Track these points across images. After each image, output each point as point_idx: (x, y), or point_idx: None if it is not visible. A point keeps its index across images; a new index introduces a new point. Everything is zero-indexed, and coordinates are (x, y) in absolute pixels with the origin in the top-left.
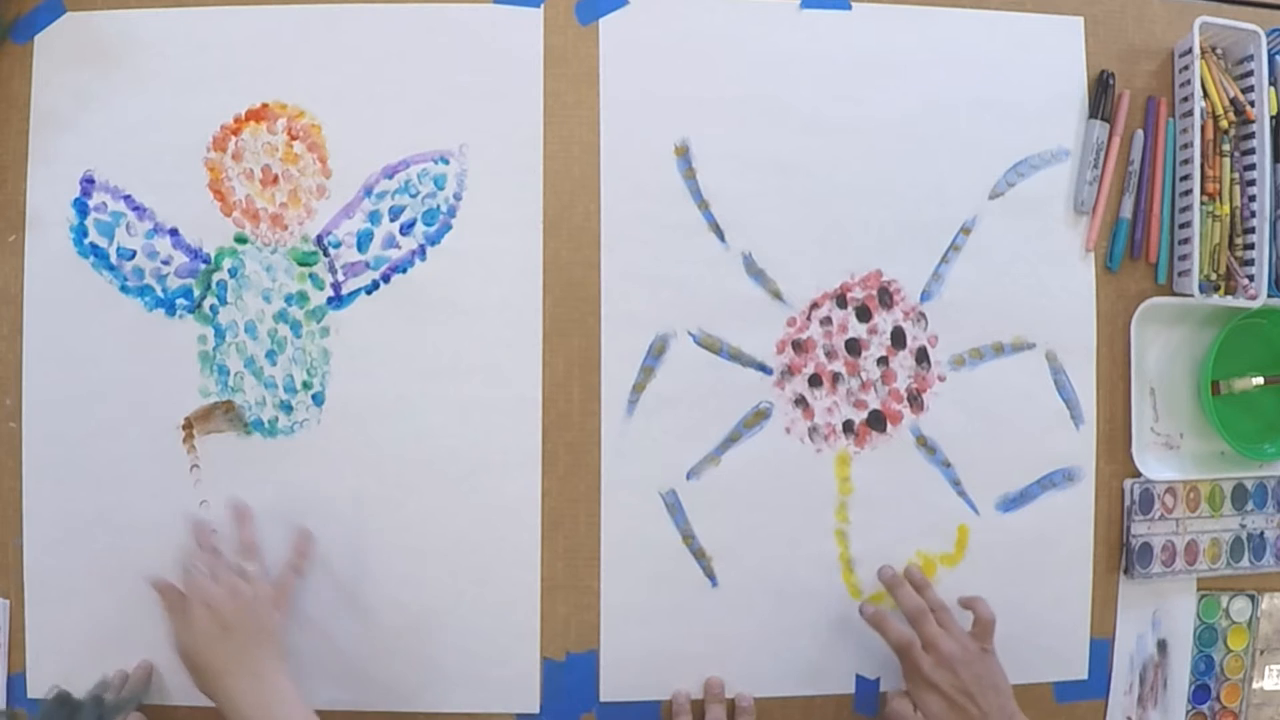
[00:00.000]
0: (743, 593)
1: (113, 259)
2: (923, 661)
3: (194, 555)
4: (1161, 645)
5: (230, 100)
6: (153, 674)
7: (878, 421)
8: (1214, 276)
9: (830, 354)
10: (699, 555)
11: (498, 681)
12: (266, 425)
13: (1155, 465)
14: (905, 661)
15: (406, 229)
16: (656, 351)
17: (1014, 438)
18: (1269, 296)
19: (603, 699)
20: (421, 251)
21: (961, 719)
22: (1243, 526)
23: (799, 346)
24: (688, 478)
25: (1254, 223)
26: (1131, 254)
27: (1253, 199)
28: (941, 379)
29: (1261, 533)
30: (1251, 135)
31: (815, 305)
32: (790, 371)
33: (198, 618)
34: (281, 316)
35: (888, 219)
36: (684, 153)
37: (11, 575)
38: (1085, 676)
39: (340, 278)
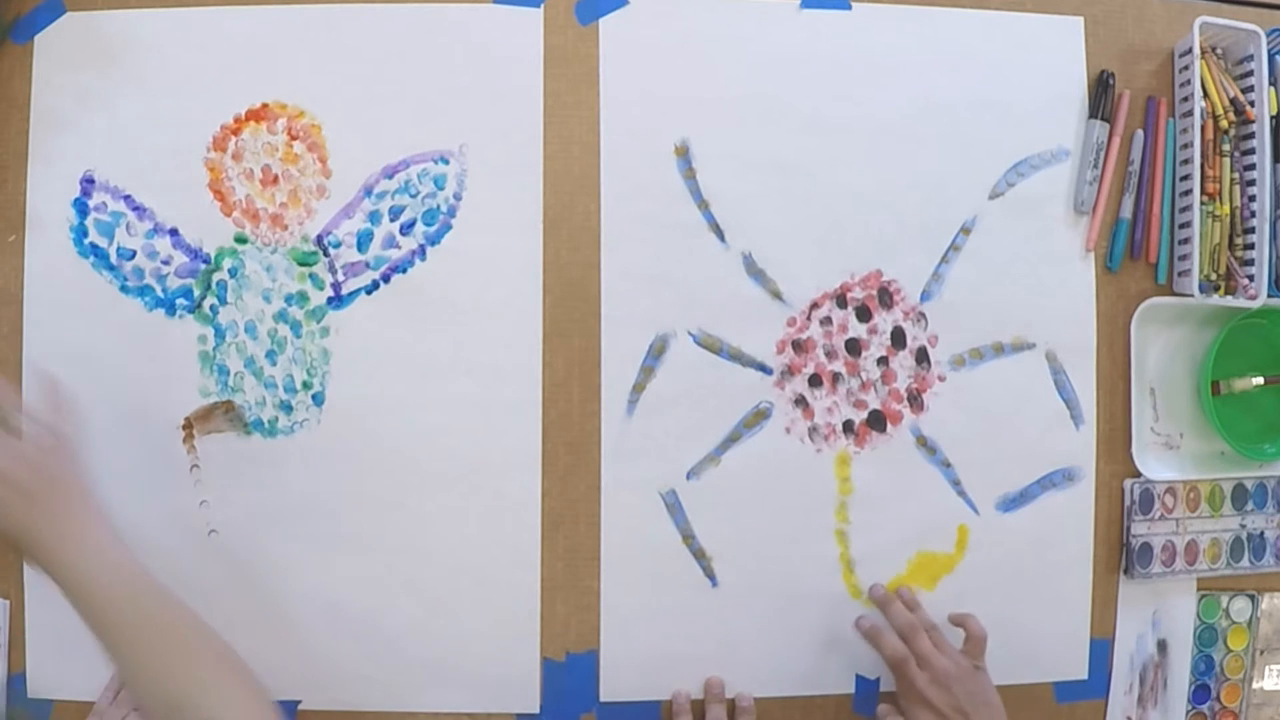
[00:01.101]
0: (743, 593)
1: (113, 259)
2: (917, 678)
3: None
4: (1161, 645)
5: (230, 100)
6: None
7: (878, 421)
8: (1214, 276)
9: (830, 354)
10: (699, 555)
11: (498, 681)
12: (266, 425)
13: (1155, 465)
14: (899, 677)
15: (406, 229)
16: (656, 351)
17: (1014, 438)
18: (1269, 296)
19: (603, 699)
20: (421, 251)
21: None
22: (1243, 526)
23: (799, 346)
24: (688, 478)
25: (1254, 223)
26: (1131, 254)
27: (1253, 199)
28: (941, 379)
29: (1261, 533)
30: (1251, 135)
31: (815, 305)
32: (790, 371)
33: None
34: (281, 316)
35: (888, 219)
36: (684, 153)
37: (11, 575)
38: (1085, 676)
39: (340, 278)
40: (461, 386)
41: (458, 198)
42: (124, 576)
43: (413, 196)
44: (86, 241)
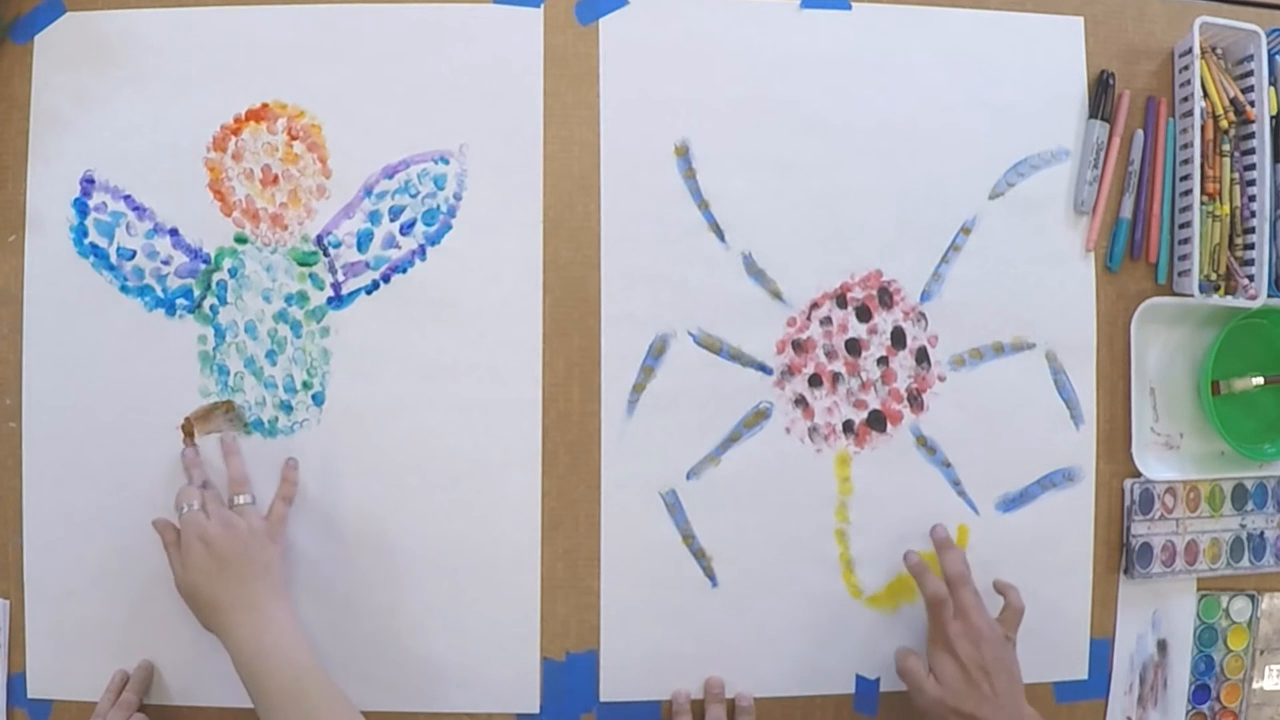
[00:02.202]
0: (743, 593)
1: (113, 259)
2: (950, 625)
3: (187, 491)
4: (1161, 645)
5: (230, 100)
6: (153, 674)
7: (878, 421)
8: (1214, 276)
9: (830, 354)
10: (699, 555)
11: (498, 681)
12: (266, 425)
13: (1155, 465)
14: (933, 620)
15: (406, 229)
16: (656, 351)
17: (1014, 438)
18: (1269, 296)
19: (603, 699)
20: (421, 251)
21: (973, 692)
22: (1243, 526)
23: (799, 346)
24: (688, 478)
25: (1254, 223)
26: (1131, 254)
27: (1253, 199)
28: (941, 379)
29: (1261, 533)
30: (1251, 135)
31: (815, 305)
32: (790, 371)
33: (194, 553)
34: (281, 316)
35: (888, 219)
36: (684, 153)
37: (11, 575)
38: (1085, 676)
39: (340, 278)
40: (461, 386)
41: (458, 198)
42: (292, 661)
43: (413, 196)
44: (86, 241)
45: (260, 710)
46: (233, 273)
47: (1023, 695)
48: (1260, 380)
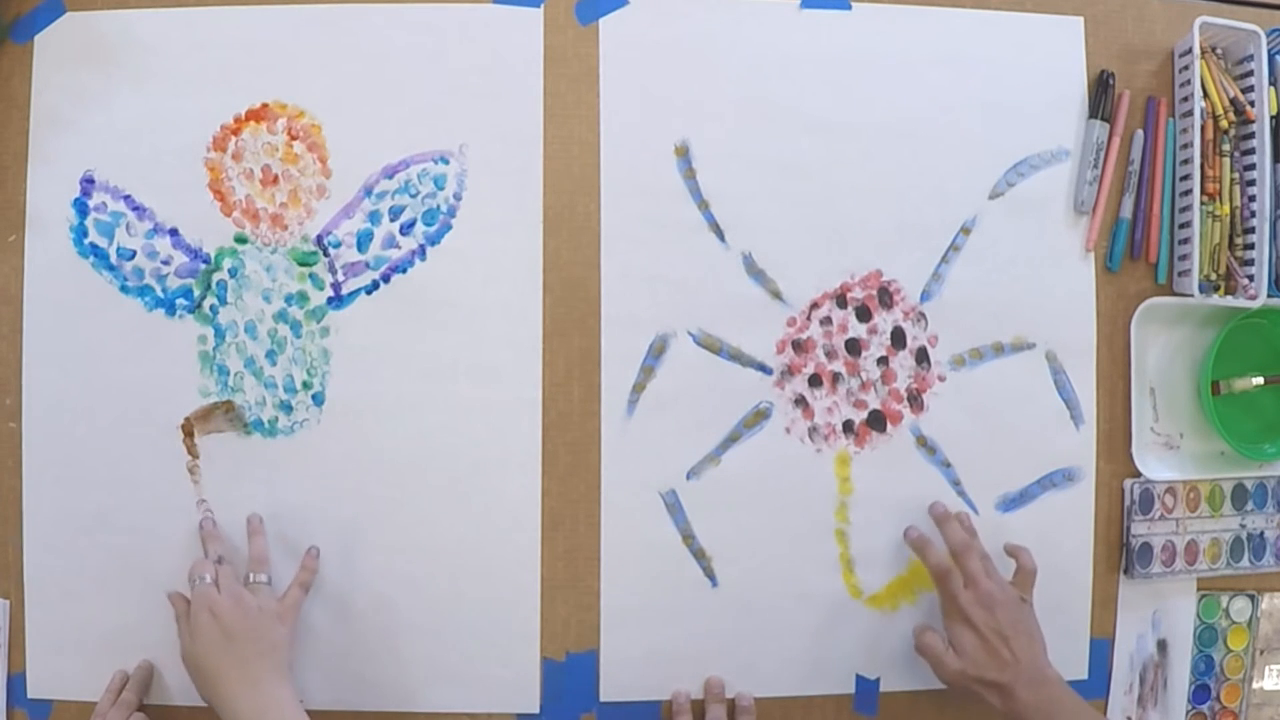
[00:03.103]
0: (743, 593)
1: (113, 259)
2: (960, 594)
3: (201, 564)
4: (1161, 645)
5: (230, 100)
6: (153, 674)
7: (878, 421)
8: (1214, 276)
9: (830, 354)
10: (699, 555)
11: (498, 681)
12: (266, 425)
13: (1155, 465)
14: (943, 592)
15: (406, 229)
16: (656, 351)
17: (1014, 438)
18: (1269, 296)
19: (603, 699)
20: (421, 251)
21: (992, 659)
22: (1243, 526)
23: (799, 346)
24: (688, 478)
25: (1254, 223)
26: (1131, 254)
27: (1253, 199)
28: (941, 379)
29: (1261, 533)
30: (1251, 135)
31: (815, 305)
32: (790, 371)
33: (202, 624)
34: (281, 316)
35: (888, 219)
36: (684, 153)
37: (11, 575)
38: (1085, 676)
39: (340, 278)
40: (461, 386)
41: (458, 198)
42: None
43: (413, 196)
44: (86, 241)
45: None
46: (233, 273)
47: (1045, 654)
48: (1260, 380)
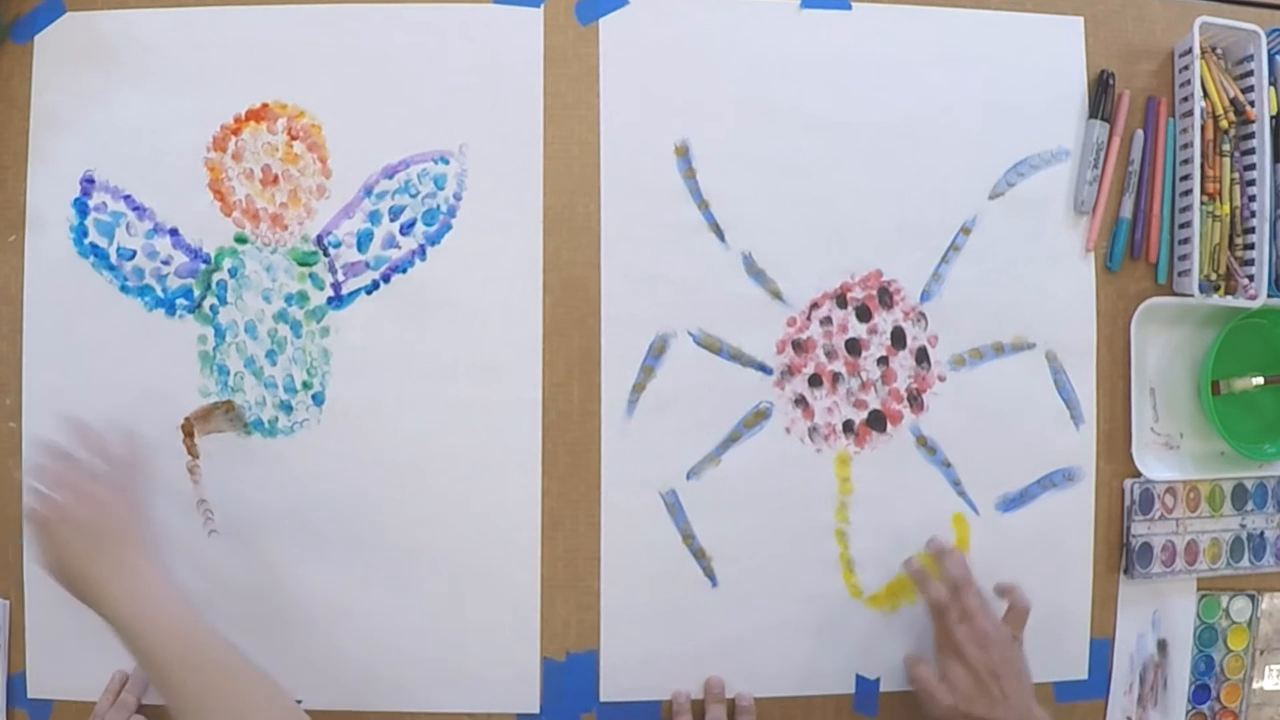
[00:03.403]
0: (743, 593)
1: (113, 259)
2: (956, 629)
3: (35, 471)
4: (1161, 645)
5: (230, 100)
6: None
7: (878, 421)
8: (1214, 276)
9: (830, 354)
10: (699, 555)
11: (498, 681)
12: (266, 425)
13: (1155, 465)
14: (939, 626)
15: (406, 229)
16: (656, 351)
17: (1014, 438)
18: (1269, 296)
19: (603, 699)
20: (421, 251)
21: (984, 696)
22: (1243, 526)
23: (799, 346)
24: (688, 478)
25: (1254, 223)
26: (1131, 254)
27: (1253, 199)
28: (941, 379)
29: (1261, 533)
30: (1251, 135)
31: (815, 305)
32: (790, 371)
33: (54, 531)
34: (281, 316)
35: (888, 219)
36: (684, 153)
37: (11, 575)
38: (1085, 676)
39: (340, 278)
40: (461, 386)
41: (458, 198)
42: (172, 615)
43: (413, 196)
44: (86, 241)
45: (155, 679)
46: (233, 273)
47: (1032, 695)
48: (1260, 380)
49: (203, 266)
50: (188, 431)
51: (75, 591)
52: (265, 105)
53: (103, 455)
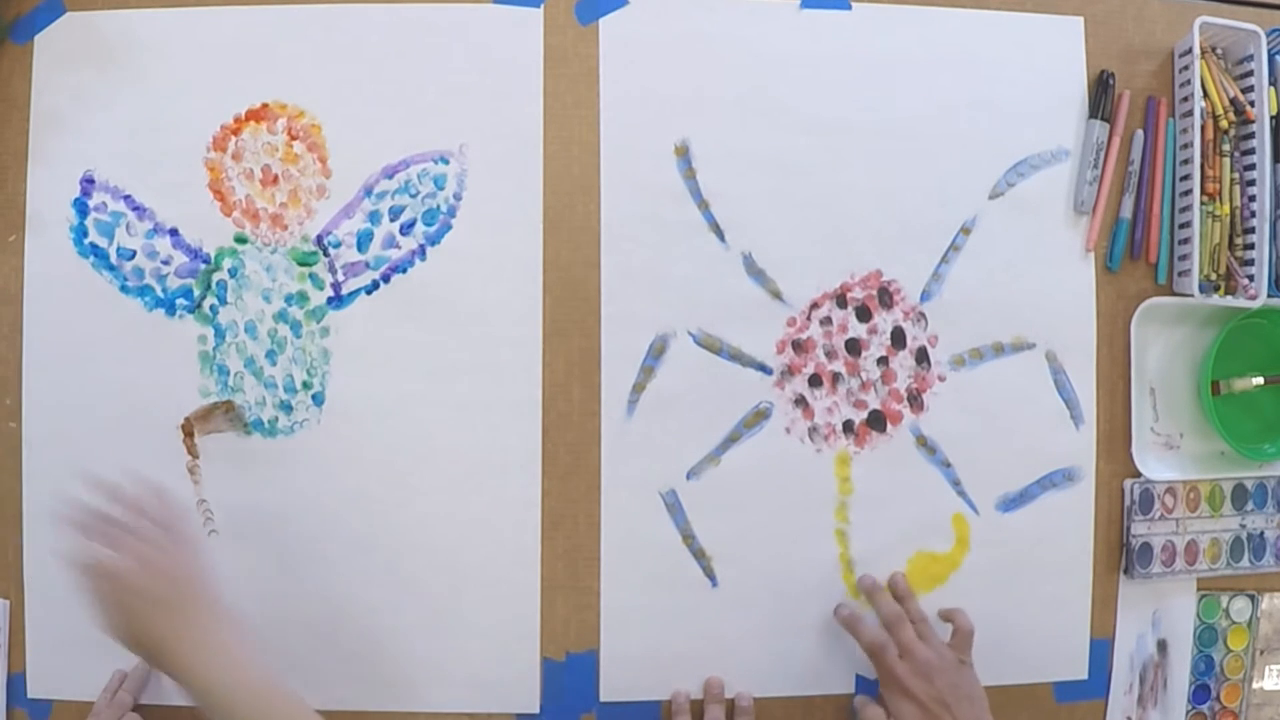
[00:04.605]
0: (743, 593)
1: (113, 259)
2: (897, 667)
3: (89, 534)
4: (1161, 645)
5: (230, 100)
6: (150, 674)
7: (878, 421)
8: (1214, 276)
9: (830, 354)
10: (699, 555)
11: (498, 681)
12: (266, 425)
13: (1155, 465)
14: (879, 667)
15: (406, 229)
16: (656, 351)
17: (1014, 438)
18: (1269, 296)
19: (603, 699)
20: (421, 251)
21: None
22: (1243, 526)
23: (799, 346)
24: (688, 478)
25: (1254, 223)
26: (1131, 254)
27: (1253, 199)
28: (941, 379)
29: (1261, 533)
30: (1251, 135)
31: (815, 305)
32: (790, 371)
33: (118, 598)
34: (281, 316)
35: (888, 219)
36: (684, 153)
37: (11, 575)
38: (1085, 676)
39: (340, 278)
40: (461, 386)
41: (458, 198)
42: (246, 680)
43: (413, 196)
44: (86, 241)
45: None
46: (233, 273)
47: (988, 713)
48: (1260, 380)
49: (203, 266)
50: (188, 431)
51: (143, 655)
52: (265, 105)
53: (149, 515)
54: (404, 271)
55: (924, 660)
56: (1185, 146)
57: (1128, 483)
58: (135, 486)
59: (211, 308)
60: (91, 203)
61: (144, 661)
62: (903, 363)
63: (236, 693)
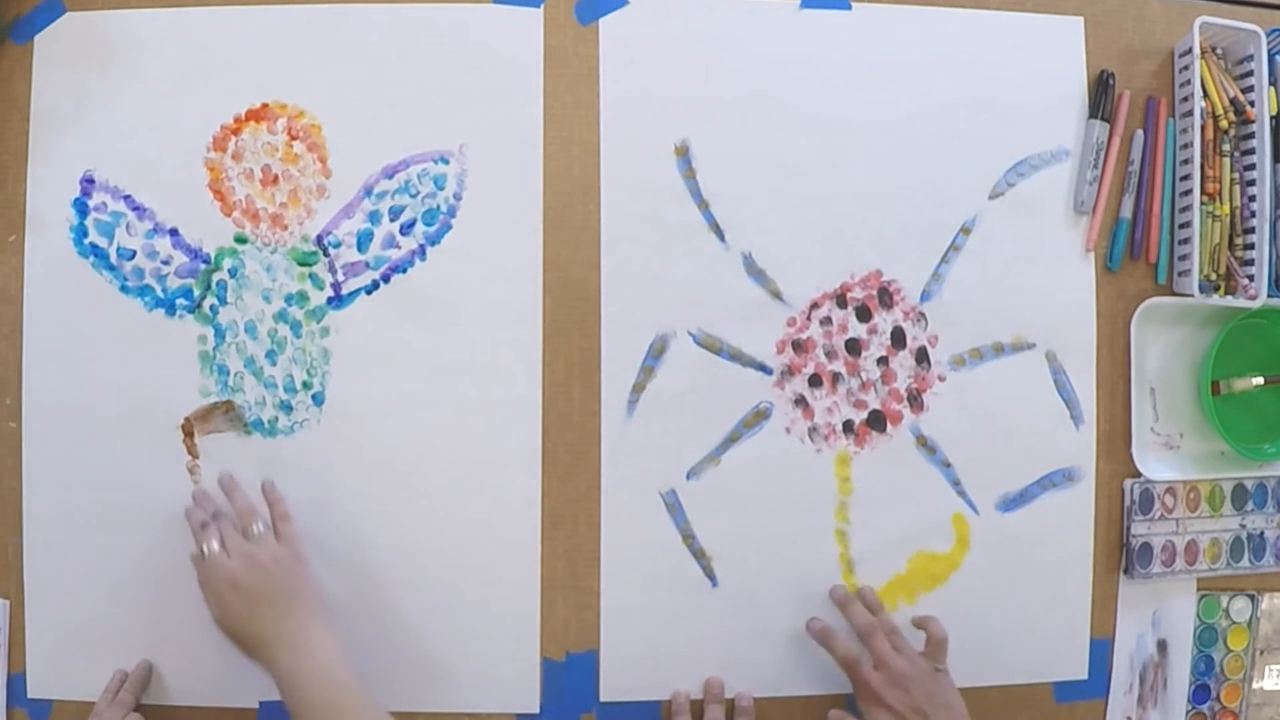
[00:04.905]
0: (743, 593)
1: (113, 259)
2: (872, 679)
3: (203, 533)
4: (1161, 645)
5: (230, 100)
6: (151, 674)
7: (878, 421)
8: (1214, 276)
9: (830, 354)
10: (699, 555)
11: (498, 681)
12: (266, 425)
13: (1155, 465)
14: (854, 679)
15: (406, 229)
16: (656, 351)
17: (1014, 438)
18: (1269, 296)
19: (603, 699)
20: (421, 251)
21: None
22: (1243, 526)
23: (799, 346)
24: (688, 478)
25: (1254, 223)
26: (1131, 254)
27: (1253, 199)
28: (941, 379)
29: (1261, 533)
30: (1251, 135)
31: (815, 305)
32: (790, 371)
33: (225, 596)
34: (281, 316)
35: (888, 219)
36: (684, 153)
37: (11, 575)
38: (1085, 676)
39: (340, 278)
40: (461, 386)
41: (458, 198)
42: (330, 684)
43: (413, 196)
44: (86, 241)
45: None
46: (233, 273)
47: (965, 717)
48: (1260, 380)
49: (203, 266)
50: (188, 431)
51: (244, 649)
52: (265, 105)
53: (259, 517)
54: (404, 271)
55: (899, 670)
56: (1185, 146)
57: (1128, 483)
58: (239, 495)
59: (211, 308)
60: (91, 203)
61: (242, 652)
62: (903, 363)
63: (313, 684)
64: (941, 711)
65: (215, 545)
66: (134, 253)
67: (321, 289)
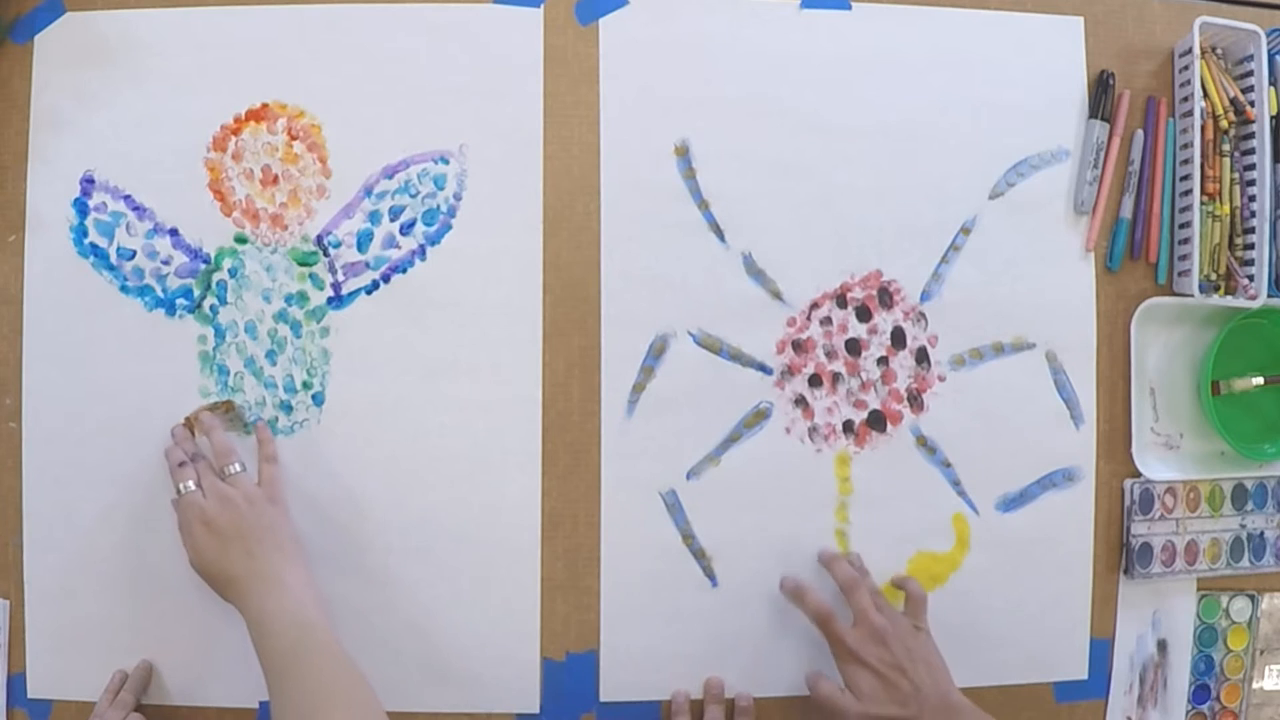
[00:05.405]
0: (743, 593)
1: (113, 259)
2: (848, 635)
3: (179, 472)
4: (1161, 645)
5: (230, 100)
6: (152, 674)
7: (878, 421)
8: (1214, 276)
9: (830, 354)
10: (699, 555)
11: (498, 681)
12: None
13: (1155, 465)
14: (829, 637)
15: (406, 229)
16: (656, 351)
17: (1014, 438)
18: (1269, 296)
19: (603, 699)
20: (421, 251)
21: (892, 694)
22: (1243, 526)
23: (799, 346)
24: (688, 478)
25: (1254, 223)
26: (1131, 254)
27: (1253, 199)
28: (941, 379)
29: (1261, 533)
30: (1251, 135)
31: (815, 305)
32: (790, 371)
33: (197, 535)
34: (281, 316)
35: (888, 219)
36: (684, 153)
37: (11, 575)
38: (1085, 676)
39: (340, 278)
40: (461, 386)
41: (458, 198)
42: (296, 622)
43: (413, 196)
44: (86, 241)
45: (266, 678)
46: (233, 273)
47: (948, 680)
48: (1260, 380)
49: (203, 266)
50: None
51: (216, 588)
52: (265, 105)
53: (235, 458)
54: (404, 271)
55: (877, 625)
56: (1185, 146)
57: (1128, 483)
58: (217, 434)
59: (211, 308)
60: (91, 203)
61: (215, 590)
62: (903, 363)
63: (281, 624)
64: (921, 666)
65: (191, 484)
66: (134, 253)
67: (321, 289)
